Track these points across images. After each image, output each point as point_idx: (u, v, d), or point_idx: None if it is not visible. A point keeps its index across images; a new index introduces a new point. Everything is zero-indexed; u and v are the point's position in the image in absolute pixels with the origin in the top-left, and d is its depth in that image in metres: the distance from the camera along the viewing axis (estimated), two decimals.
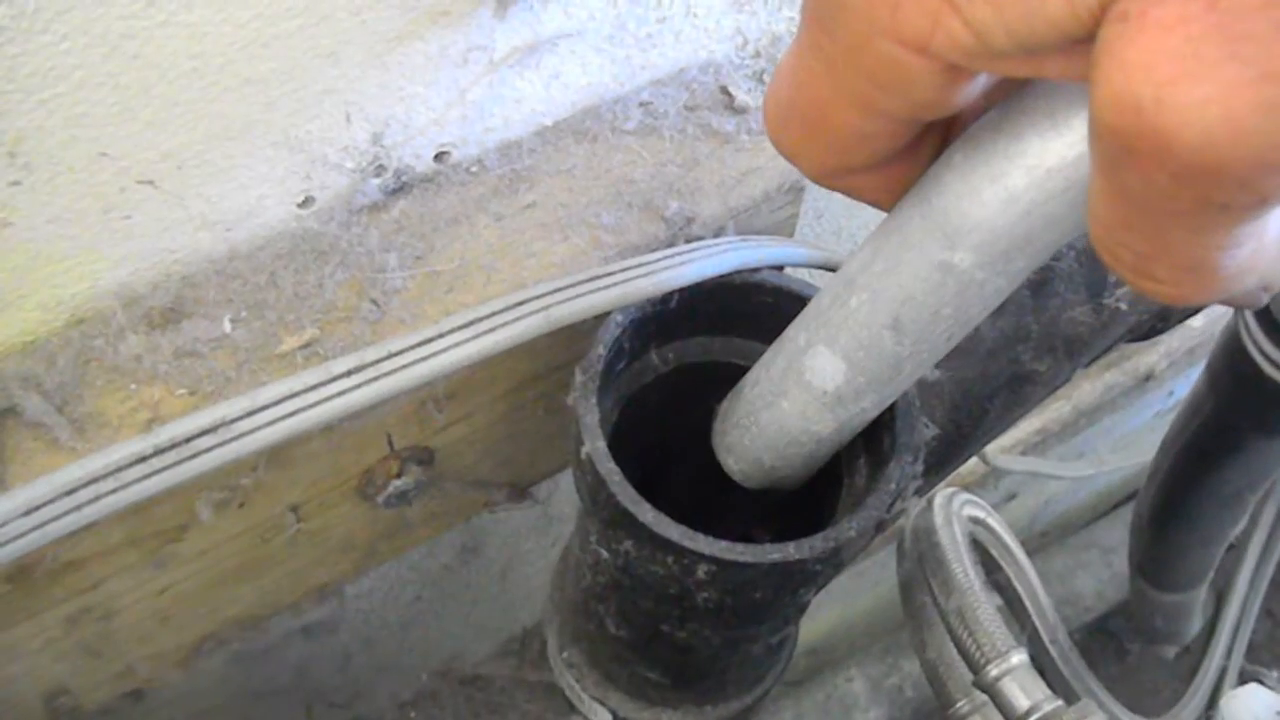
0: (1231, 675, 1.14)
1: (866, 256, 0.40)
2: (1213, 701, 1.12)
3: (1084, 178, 0.33)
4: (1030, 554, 0.99)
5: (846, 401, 0.43)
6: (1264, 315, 0.70)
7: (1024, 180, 0.34)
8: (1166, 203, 0.27)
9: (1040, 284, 0.56)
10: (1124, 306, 0.58)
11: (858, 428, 0.46)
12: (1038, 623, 1.01)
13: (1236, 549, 1.10)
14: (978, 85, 0.32)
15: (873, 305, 0.40)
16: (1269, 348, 0.70)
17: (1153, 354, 1.32)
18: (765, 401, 0.46)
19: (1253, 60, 0.23)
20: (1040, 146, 0.34)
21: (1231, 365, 0.76)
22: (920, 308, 0.39)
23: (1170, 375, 1.35)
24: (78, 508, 0.43)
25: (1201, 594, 1.11)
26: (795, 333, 0.44)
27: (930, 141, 0.37)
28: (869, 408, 0.44)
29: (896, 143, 0.35)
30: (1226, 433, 0.85)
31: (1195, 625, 1.15)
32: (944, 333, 0.40)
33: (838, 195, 0.39)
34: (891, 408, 0.48)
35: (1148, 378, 1.33)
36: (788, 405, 0.45)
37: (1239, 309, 0.34)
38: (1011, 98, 0.35)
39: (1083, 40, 0.27)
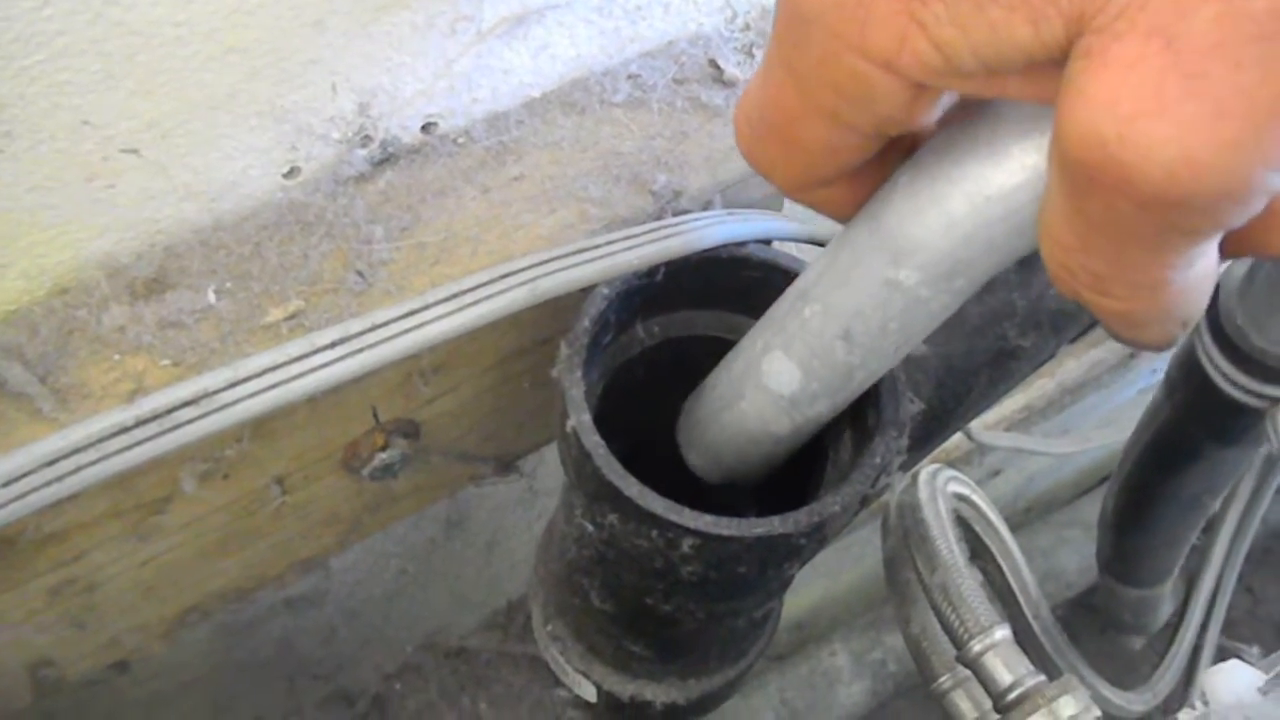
0: (1208, 647, 1.15)
1: (820, 268, 0.41)
2: (1190, 676, 1.13)
3: (1023, 205, 0.34)
4: (1014, 530, 1.00)
5: (801, 405, 0.45)
6: (1217, 330, 0.71)
7: (964, 206, 0.35)
8: (1128, 228, 0.28)
9: (1026, 260, 0.56)
10: None
11: (814, 430, 0.47)
12: (1021, 598, 1.02)
13: (1210, 528, 1.10)
14: (942, 103, 0.33)
15: (825, 316, 0.41)
16: (1221, 362, 0.71)
17: None
18: (725, 402, 0.47)
19: (1208, 97, 0.24)
20: (980, 174, 0.35)
21: (1187, 377, 0.76)
22: (869, 321, 0.40)
23: (1155, 352, 1.35)
24: (60, 478, 0.43)
25: (1168, 587, 1.12)
26: (754, 338, 0.45)
27: (895, 157, 0.38)
28: (824, 411, 0.45)
29: (863, 155, 0.36)
30: (1183, 441, 0.85)
31: (1163, 615, 1.16)
32: (893, 345, 0.41)
33: None
34: (877, 383, 0.48)
35: (1132, 355, 1.33)
36: (746, 406, 0.46)
37: (1156, 349, 0.35)
38: (955, 125, 0.36)
39: (1044, 64, 0.28)
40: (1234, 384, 0.70)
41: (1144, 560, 1.03)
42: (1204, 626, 1.15)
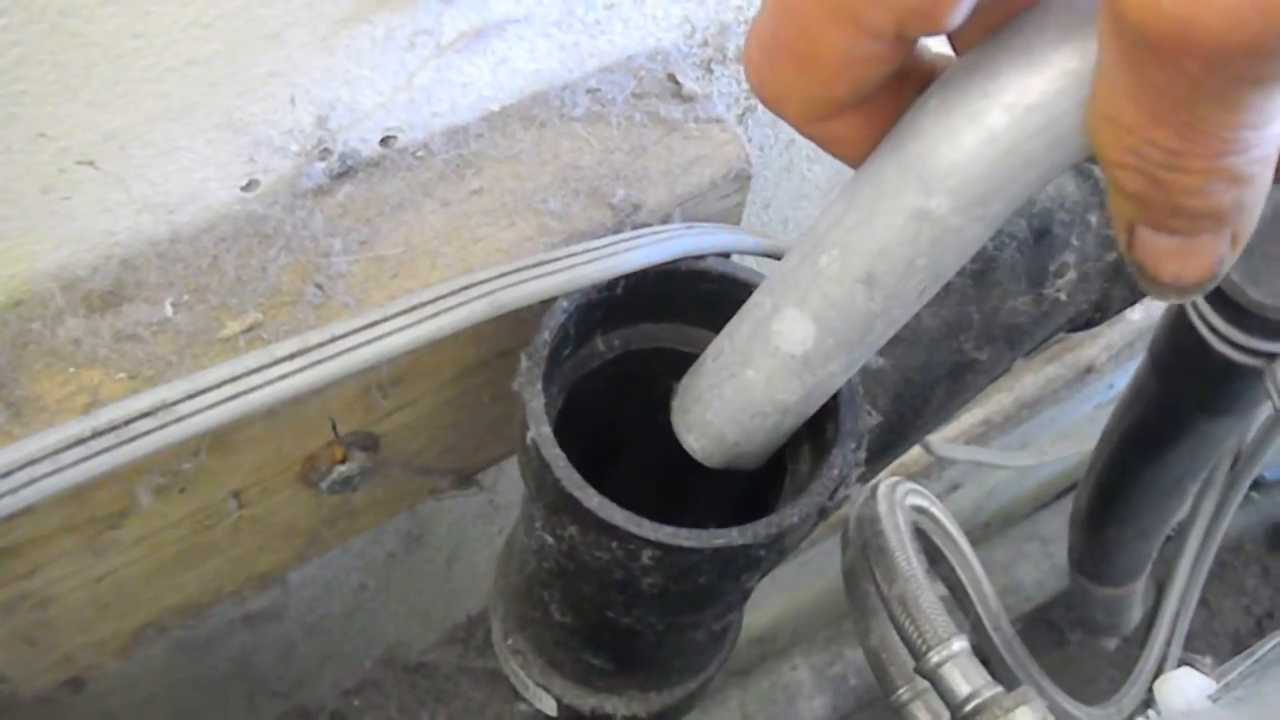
0: (1170, 664, 1.16)
1: (838, 211, 0.39)
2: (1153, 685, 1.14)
3: (1064, 113, 0.33)
4: (973, 544, 1.00)
5: (815, 366, 0.42)
6: None
7: (1004, 118, 0.34)
8: (1197, 88, 0.27)
9: (982, 274, 0.57)
10: (1064, 297, 0.59)
11: (823, 397, 0.45)
12: (980, 611, 1.02)
13: (1176, 539, 1.11)
14: (964, 6, 0.32)
15: (844, 261, 0.39)
16: (1216, 320, 0.70)
17: (1093, 347, 1.34)
18: (730, 372, 0.45)
19: None
20: (1020, 83, 0.33)
21: (1176, 343, 0.75)
22: (894, 260, 0.38)
23: (1110, 368, 1.37)
24: (13, 491, 0.42)
25: (1141, 586, 1.12)
26: (760, 298, 0.43)
27: (910, 91, 0.37)
28: (838, 372, 0.43)
29: (882, 69, 0.34)
30: (1170, 415, 0.84)
31: (1136, 616, 1.17)
32: (917, 286, 0.39)
33: (784, 184, 0.39)
34: (835, 395, 0.48)
35: (1088, 370, 1.35)
36: (753, 374, 0.44)
37: (1197, 288, 0.35)
38: (987, 40, 0.34)
39: None
40: (1229, 342, 0.69)
41: (1118, 555, 1.03)
42: (1168, 643, 1.16)
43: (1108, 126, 0.30)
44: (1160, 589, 1.15)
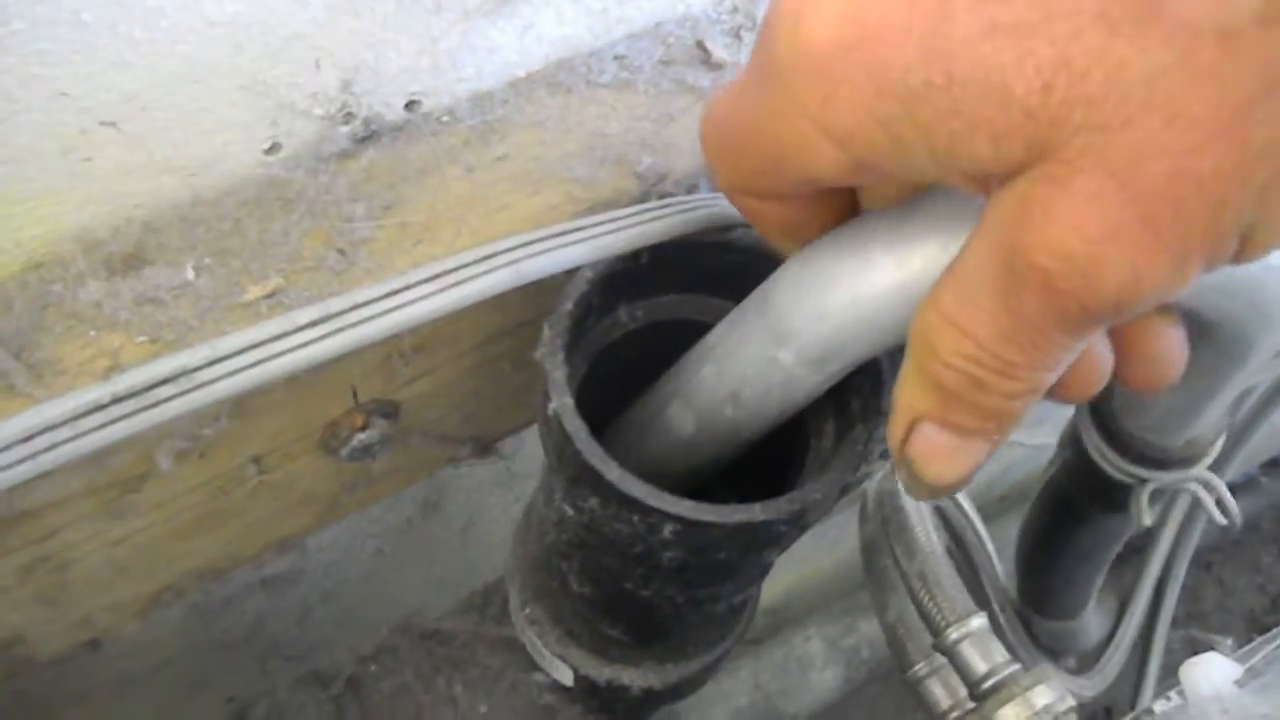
0: (1161, 625, 1.16)
1: (721, 333, 0.46)
2: (1144, 657, 1.14)
3: (889, 308, 0.39)
4: (988, 519, 1.00)
5: (696, 449, 0.49)
6: (1095, 411, 0.75)
7: (838, 303, 0.40)
8: (1058, 322, 0.32)
9: None
10: None
11: (710, 473, 0.51)
12: (989, 587, 1.02)
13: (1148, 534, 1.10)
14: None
15: (718, 379, 0.45)
16: (1096, 439, 0.76)
17: None
18: (636, 435, 0.51)
19: (1155, 232, 0.30)
20: (855, 279, 0.39)
21: (1076, 445, 0.80)
22: (754, 388, 0.44)
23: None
24: (33, 455, 0.42)
25: (1086, 616, 1.12)
26: (663, 384, 0.49)
27: (838, 197, 0.41)
28: (716, 455, 0.49)
29: (800, 189, 0.38)
30: (1072, 501, 0.90)
31: (1087, 640, 1.17)
32: (776, 410, 0.45)
33: None
34: (861, 371, 0.48)
35: None
36: (648, 445, 0.50)
37: (935, 499, 0.41)
38: (857, 221, 0.40)
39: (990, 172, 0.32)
40: (1106, 460, 0.75)
41: (1049, 598, 1.07)
42: (1154, 611, 1.16)
43: (949, 330, 0.34)
44: (1128, 589, 1.15)
